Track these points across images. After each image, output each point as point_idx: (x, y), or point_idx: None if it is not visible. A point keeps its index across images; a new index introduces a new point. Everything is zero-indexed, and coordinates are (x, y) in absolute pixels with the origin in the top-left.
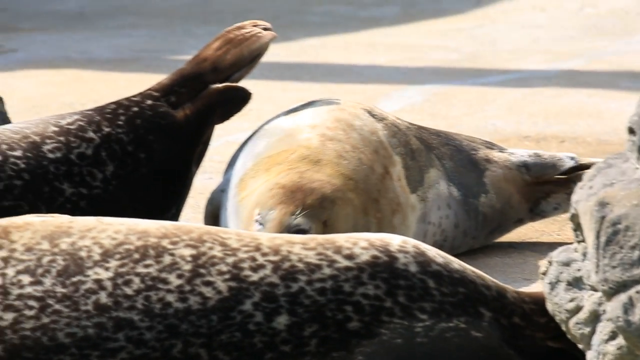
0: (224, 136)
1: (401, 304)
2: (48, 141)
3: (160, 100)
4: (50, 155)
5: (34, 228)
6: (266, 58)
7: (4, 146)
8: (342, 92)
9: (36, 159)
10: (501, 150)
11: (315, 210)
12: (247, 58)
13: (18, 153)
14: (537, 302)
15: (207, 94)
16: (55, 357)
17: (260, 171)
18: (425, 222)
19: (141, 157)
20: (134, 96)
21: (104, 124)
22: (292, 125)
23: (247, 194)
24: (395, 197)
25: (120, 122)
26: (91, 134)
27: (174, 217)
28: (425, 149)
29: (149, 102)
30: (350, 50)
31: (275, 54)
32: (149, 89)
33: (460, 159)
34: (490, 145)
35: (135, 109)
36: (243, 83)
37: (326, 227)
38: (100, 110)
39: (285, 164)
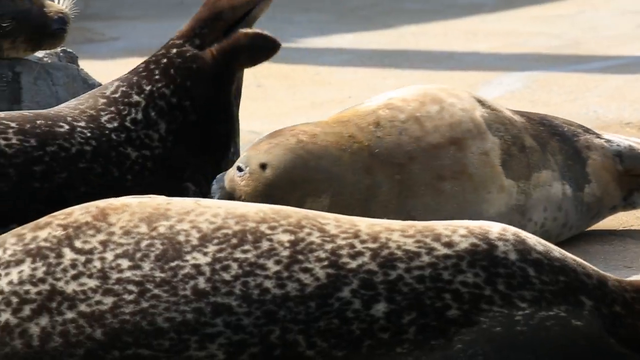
0: None
1: (501, 292)
2: (102, 113)
3: (184, 46)
4: (109, 125)
5: (131, 210)
6: (365, 45)
7: (69, 118)
8: (441, 79)
9: (98, 128)
10: (598, 136)
11: (260, 153)
12: None
13: (82, 124)
14: (639, 291)
15: (234, 37)
16: (155, 342)
17: None
18: (525, 218)
19: (186, 105)
20: (158, 51)
21: (142, 83)
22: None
23: None
24: (460, 165)
25: (157, 77)
26: (136, 97)
27: (235, 155)
28: (541, 150)
29: (175, 50)
30: (450, 37)
31: (375, 41)
32: (171, 39)
33: (567, 150)
34: (587, 130)
35: (165, 60)
36: (340, 71)
37: (264, 170)
38: (135, 71)
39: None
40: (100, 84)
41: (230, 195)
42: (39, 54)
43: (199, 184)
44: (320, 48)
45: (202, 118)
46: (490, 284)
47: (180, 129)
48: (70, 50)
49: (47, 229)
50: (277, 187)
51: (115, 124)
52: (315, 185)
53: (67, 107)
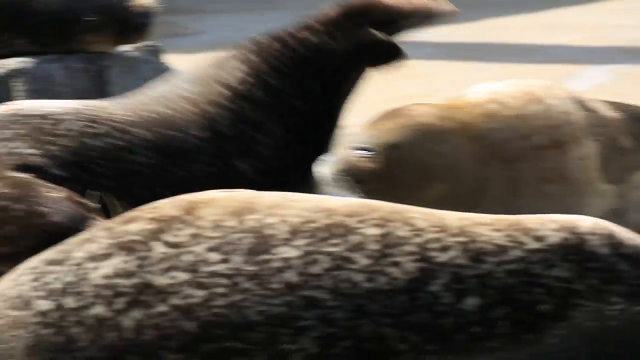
0: None
1: (592, 286)
2: (224, 113)
3: (322, 33)
4: (230, 132)
5: (219, 204)
6: (448, 38)
7: (193, 124)
8: (524, 73)
9: (220, 139)
10: None
11: (388, 133)
12: (420, 14)
13: (206, 134)
14: None
15: (366, 36)
16: (246, 335)
17: None
18: (622, 220)
19: (305, 110)
20: (295, 29)
21: (269, 74)
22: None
23: None
24: (560, 169)
25: (285, 70)
26: (259, 94)
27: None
28: (637, 149)
29: (314, 38)
30: (533, 30)
31: (458, 34)
32: (312, 21)
33: None
34: None
35: (294, 45)
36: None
37: (393, 150)
38: (260, 52)
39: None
40: None
41: (352, 176)
42: (124, 47)
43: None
44: (405, 42)
45: (318, 121)
46: (581, 278)
47: (296, 134)
48: (155, 44)
49: (136, 222)
50: (402, 168)
51: (236, 129)
52: (436, 170)
53: (185, 101)
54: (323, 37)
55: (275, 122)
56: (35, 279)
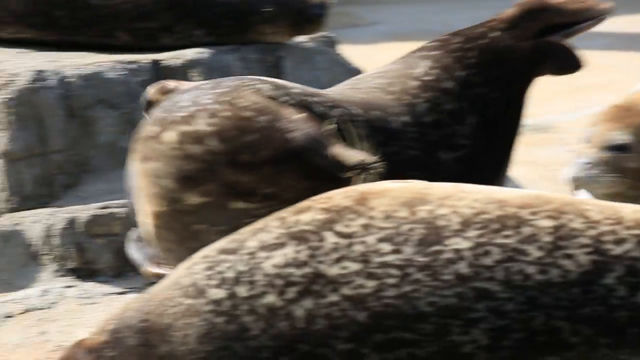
0: (584, 108)
1: None
2: (417, 101)
3: (505, 33)
4: (426, 119)
5: (391, 194)
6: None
7: (394, 110)
8: None
9: (419, 125)
10: None
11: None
12: (591, 15)
13: (407, 119)
14: None
15: (549, 42)
16: (417, 326)
17: None
18: None
19: (495, 97)
20: (476, 27)
21: (456, 67)
22: None
23: None
24: None
25: (471, 62)
26: (449, 84)
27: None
28: None
29: (494, 34)
30: None
31: (634, 25)
32: (495, 20)
33: None
34: None
35: (484, 41)
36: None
37: None
38: (446, 47)
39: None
40: (359, 69)
41: (613, 176)
42: (300, 38)
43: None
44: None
45: (506, 114)
46: None
47: (488, 124)
48: (331, 35)
49: (308, 212)
50: None
51: (432, 117)
52: None
53: (378, 90)
54: (503, 33)
55: (469, 111)
56: (209, 268)
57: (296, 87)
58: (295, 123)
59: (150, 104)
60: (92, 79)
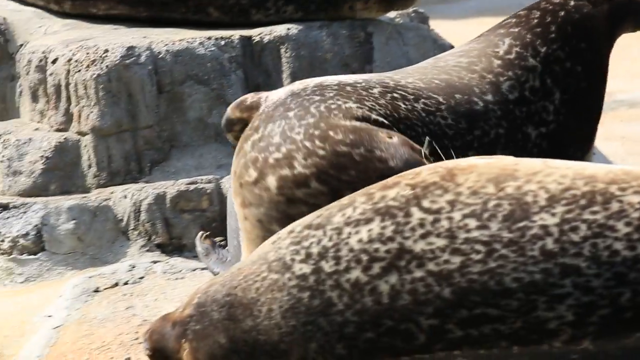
0: None
1: None
2: (501, 79)
3: (582, 0)
4: (511, 97)
5: (478, 170)
6: None
7: (477, 90)
8: None
9: (504, 103)
10: None
11: None
12: None
13: (490, 98)
14: None
15: (623, 1)
16: (502, 302)
17: None
18: None
19: (578, 70)
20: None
21: (537, 43)
22: None
23: None
24: None
25: (552, 36)
26: (532, 61)
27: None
28: None
29: (573, 3)
30: None
31: None
32: None
33: None
34: None
35: (562, 13)
36: None
37: None
38: (526, 23)
39: None
40: (450, 45)
41: None
42: (391, 14)
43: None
44: None
45: (591, 85)
46: None
47: (573, 99)
48: (422, 11)
49: (395, 188)
50: None
51: (516, 94)
52: None
53: (462, 69)
54: (579, 1)
55: (554, 87)
56: (295, 243)
57: (377, 86)
58: (390, 149)
59: (231, 123)
60: (182, 55)
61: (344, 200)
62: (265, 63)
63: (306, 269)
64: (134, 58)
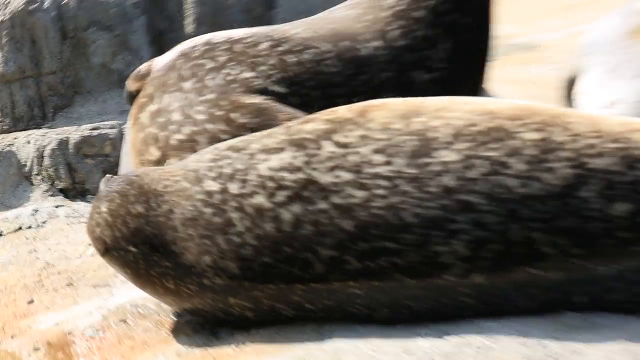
0: (571, 26)
1: None
2: (389, 28)
3: None
4: (401, 43)
5: (390, 107)
6: None
7: (365, 37)
8: None
9: (391, 49)
10: None
11: None
12: None
13: (377, 43)
14: None
15: None
16: (401, 236)
17: None
18: None
19: (468, 22)
20: None
21: None
22: None
23: None
24: None
25: None
26: (419, 12)
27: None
28: None
29: None
30: None
31: None
32: None
33: None
34: None
35: None
36: None
37: None
38: None
39: None
40: None
41: None
42: None
43: None
44: None
45: (479, 33)
46: None
47: (461, 47)
48: None
49: (312, 122)
50: None
51: (404, 42)
52: None
53: (349, 20)
54: None
55: (443, 37)
56: (213, 160)
57: (265, 40)
58: None
59: (132, 96)
60: (86, 1)
61: (267, 131)
62: (169, 9)
63: (214, 186)
64: (37, 4)
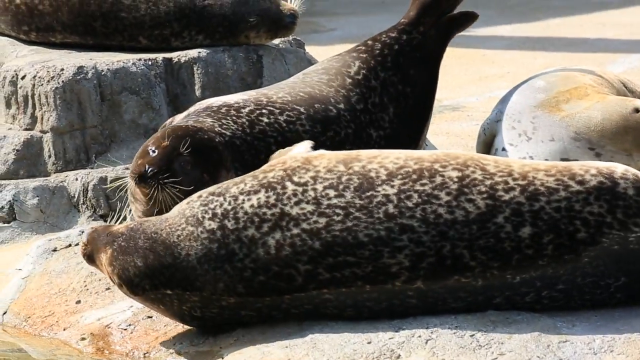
0: (487, 93)
1: (619, 219)
2: (351, 94)
3: (412, 33)
4: (358, 107)
5: (328, 157)
6: (520, 33)
7: (332, 100)
8: (578, 60)
9: (352, 111)
10: None
11: None
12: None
13: (342, 106)
14: None
15: (446, 21)
16: (358, 251)
17: (563, 101)
18: None
19: (407, 91)
20: (390, 31)
21: (378, 69)
22: (566, 74)
23: (572, 113)
24: None
25: (388, 65)
26: (374, 82)
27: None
28: None
29: (405, 37)
30: (585, 28)
31: (528, 30)
32: (401, 24)
33: None
34: None
35: (396, 47)
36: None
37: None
38: (371, 52)
39: (592, 94)
40: None
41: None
42: (276, 41)
43: None
44: (486, 36)
45: (418, 102)
46: (611, 213)
47: (403, 113)
48: (299, 39)
49: (272, 172)
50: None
51: (362, 106)
52: None
53: (323, 84)
54: (411, 34)
55: (389, 103)
56: (204, 205)
57: (250, 104)
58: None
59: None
60: (120, 72)
61: (236, 179)
62: (182, 78)
63: (214, 225)
64: (83, 75)
